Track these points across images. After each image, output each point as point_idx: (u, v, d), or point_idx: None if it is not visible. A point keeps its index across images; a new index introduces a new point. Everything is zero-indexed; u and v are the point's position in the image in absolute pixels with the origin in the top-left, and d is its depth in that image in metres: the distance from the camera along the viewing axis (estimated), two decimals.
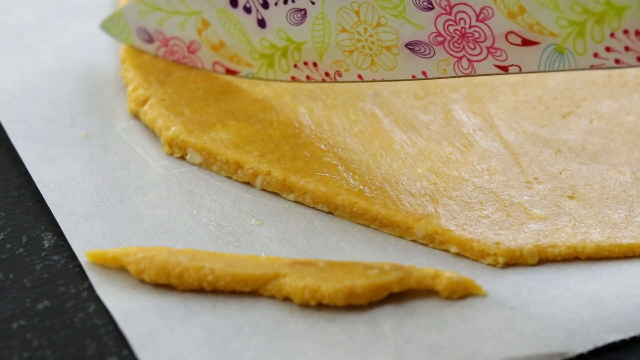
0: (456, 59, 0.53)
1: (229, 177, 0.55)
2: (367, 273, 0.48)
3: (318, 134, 0.56)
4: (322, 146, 0.56)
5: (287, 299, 0.48)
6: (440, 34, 0.53)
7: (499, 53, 0.52)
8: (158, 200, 0.53)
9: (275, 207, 0.53)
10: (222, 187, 0.54)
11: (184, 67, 0.60)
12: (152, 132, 0.57)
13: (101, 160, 0.56)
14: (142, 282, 0.49)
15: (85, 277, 0.49)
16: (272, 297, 0.48)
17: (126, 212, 0.53)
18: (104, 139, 0.57)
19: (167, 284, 0.49)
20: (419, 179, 0.54)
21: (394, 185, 0.53)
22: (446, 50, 0.54)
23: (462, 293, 0.48)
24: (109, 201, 0.53)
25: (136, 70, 0.60)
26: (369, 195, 0.53)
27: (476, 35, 0.52)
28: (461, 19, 0.52)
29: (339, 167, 0.54)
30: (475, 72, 0.53)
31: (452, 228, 0.51)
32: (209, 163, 0.55)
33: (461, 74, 0.53)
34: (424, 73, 0.54)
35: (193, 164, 0.56)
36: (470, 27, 0.52)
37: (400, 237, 0.52)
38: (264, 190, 0.54)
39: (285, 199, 0.54)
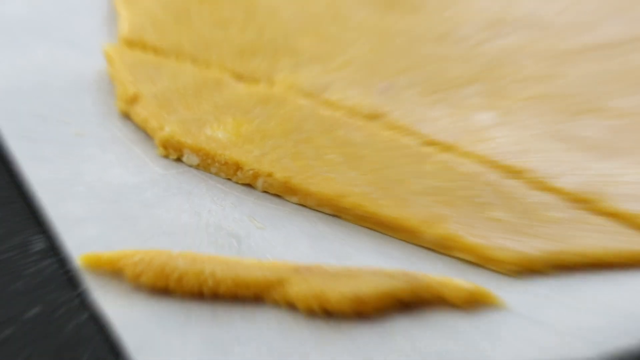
0: None
1: (229, 179, 0.55)
2: (375, 279, 0.48)
3: (320, 128, 0.56)
4: (325, 142, 0.55)
5: (291, 306, 0.48)
6: None
7: None
8: (156, 201, 0.53)
9: (277, 210, 0.53)
10: (223, 189, 0.54)
11: (173, 63, 0.60)
12: None
13: (96, 160, 0.56)
14: (138, 288, 0.49)
15: (77, 283, 0.49)
16: (275, 303, 0.48)
17: (122, 213, 0.52)
18: (99, 137, 0.57)
19: (165, 288, 0.48)
20: (427, 176, 0.53)
21: (402, 185, 0.53)
22: None
23: (476, 303, 0.48)
24: (104, 202, 0.53)
25: (124, 67, 0.60)
26: (376, 196, 0.52)
27: None
28: None
29: (344, 166, 0.54)
30: None
31: (463, 234, 0.50)
32: (207, 164, 0.55)
33: None
34: None
35: (191, 166, 0.55)
36: None
37: (408, 241, 0.51)
38: (265, 192, 0.54)
39: (288, 201, 0.53)
